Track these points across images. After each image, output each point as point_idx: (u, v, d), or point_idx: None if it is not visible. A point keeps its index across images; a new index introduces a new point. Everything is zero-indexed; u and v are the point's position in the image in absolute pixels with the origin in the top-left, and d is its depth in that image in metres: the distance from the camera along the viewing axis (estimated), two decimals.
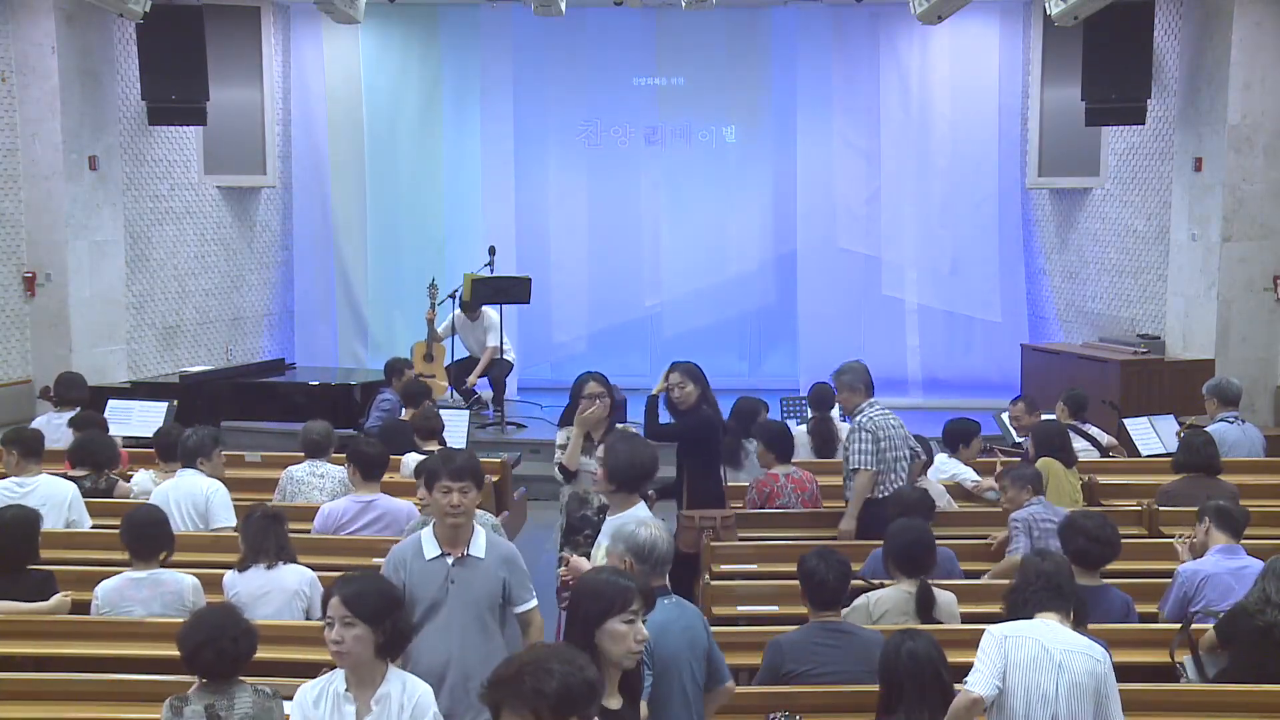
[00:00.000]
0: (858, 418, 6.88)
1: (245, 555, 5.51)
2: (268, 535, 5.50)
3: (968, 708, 4.06)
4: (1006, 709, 4.07)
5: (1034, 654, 4.08)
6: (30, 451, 6.92)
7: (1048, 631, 4.18)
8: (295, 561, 5.61)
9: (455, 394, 11.97)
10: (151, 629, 5.26)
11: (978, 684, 4.05)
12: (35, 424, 8.49)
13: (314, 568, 5.75)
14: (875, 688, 4.32)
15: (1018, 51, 13.39)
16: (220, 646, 4.05)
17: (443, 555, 4.59)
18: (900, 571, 5.43)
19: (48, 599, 5.52)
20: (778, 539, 6.85)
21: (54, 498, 6.70)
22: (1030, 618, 4.30)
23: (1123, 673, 4.90)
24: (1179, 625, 5.29)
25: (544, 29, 13.15)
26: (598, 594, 3.62)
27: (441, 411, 8.72)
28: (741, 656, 5.37)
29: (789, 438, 7.65)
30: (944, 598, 5.43)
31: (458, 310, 12.10)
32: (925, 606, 5.29)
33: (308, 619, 5.46)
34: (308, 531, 6.86)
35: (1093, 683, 4.09)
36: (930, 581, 5.42)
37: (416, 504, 6.73)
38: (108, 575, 5.55)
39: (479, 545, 4.63)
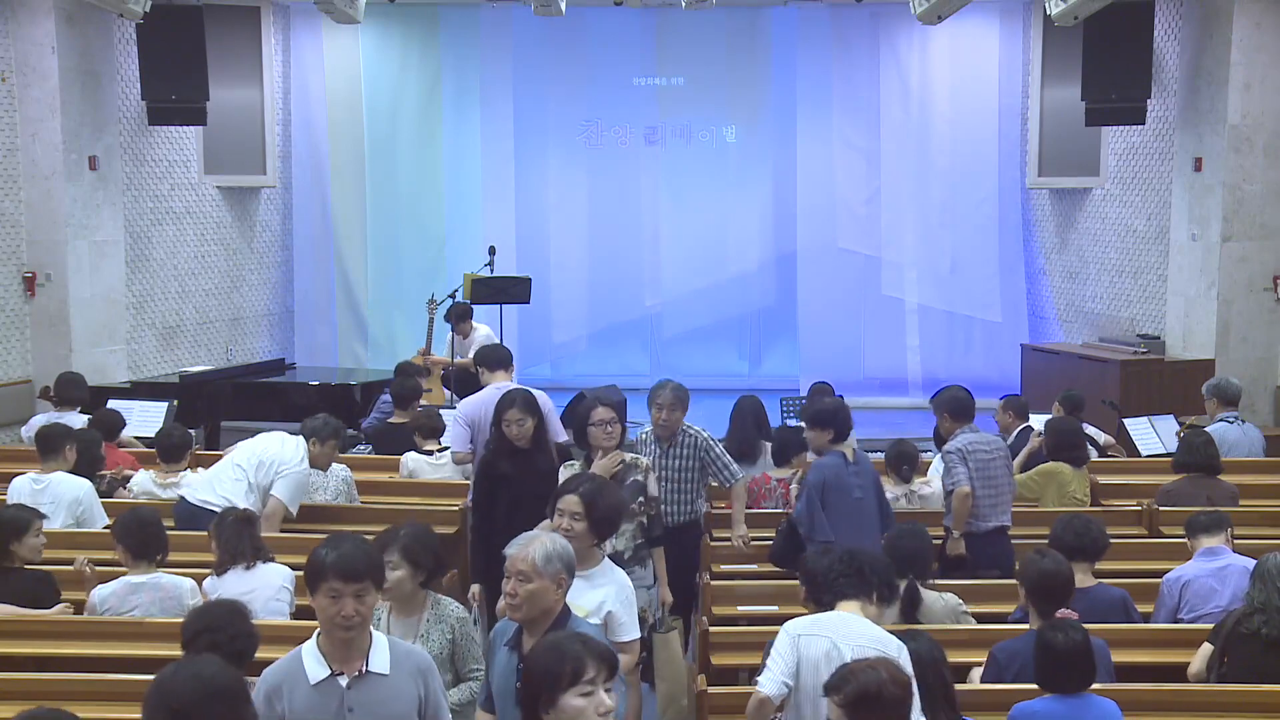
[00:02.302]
0: (697, 435, 6.66)
1: (222, 559, 5.52)
2: (242, 538, 5.53)
3: (757, 708, 4.06)
4: (797, 706, 4.07)
5: (826, 651, 4.04)
6: (47, 449, 6.94)
7: (843, 626, 4.13)
8: (273, 560, 5.63)
9: (455, 399, 11.94)
10: (151, 629, 5.27)
11: (767, 683, 4.03)
12: (36, 422, 8.49)
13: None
14: None
15: (1018, 51, 13.39)
16: (216, 639, 4.06)
17: (333, 676, 3.59)
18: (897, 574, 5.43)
19: (45, 598, 5.52)
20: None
21: (63, 496, 6.69)
22: (831, 606, 4.28)
23: (1123, 673, 4.92)
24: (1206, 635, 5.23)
25: (544, 29, 13.16)
26: (543, 666, 3.15)
27: (442, 412, 8.72)
28: (742, 656, 5.38)
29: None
30: (939, 600, 5.42)
31: (450, 334, 11.92)
32: (909, 607, 5.29)
33: (290, 616, 5.49)
34: (308, 531, 6.88)
35: None
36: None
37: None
38: (110, 577, 5.56)
39: (380, 658, 3.63)
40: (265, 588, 5.46)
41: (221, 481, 6.71)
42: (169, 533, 5.74)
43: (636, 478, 5.94)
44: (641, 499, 5.90)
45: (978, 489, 6.46)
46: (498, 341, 11.76)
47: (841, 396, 9.94)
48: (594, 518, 4.61)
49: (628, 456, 6.04)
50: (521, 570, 3.89)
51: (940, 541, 6.47)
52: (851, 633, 4.10)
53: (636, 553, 5.80)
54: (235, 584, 5.42)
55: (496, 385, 7.24)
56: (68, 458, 6.94)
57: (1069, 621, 4.48)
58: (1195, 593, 5.53)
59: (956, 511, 6.44)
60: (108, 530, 6.61)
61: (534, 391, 7.02)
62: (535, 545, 3.95)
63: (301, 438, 6.89)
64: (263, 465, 6.71)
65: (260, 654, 4.31)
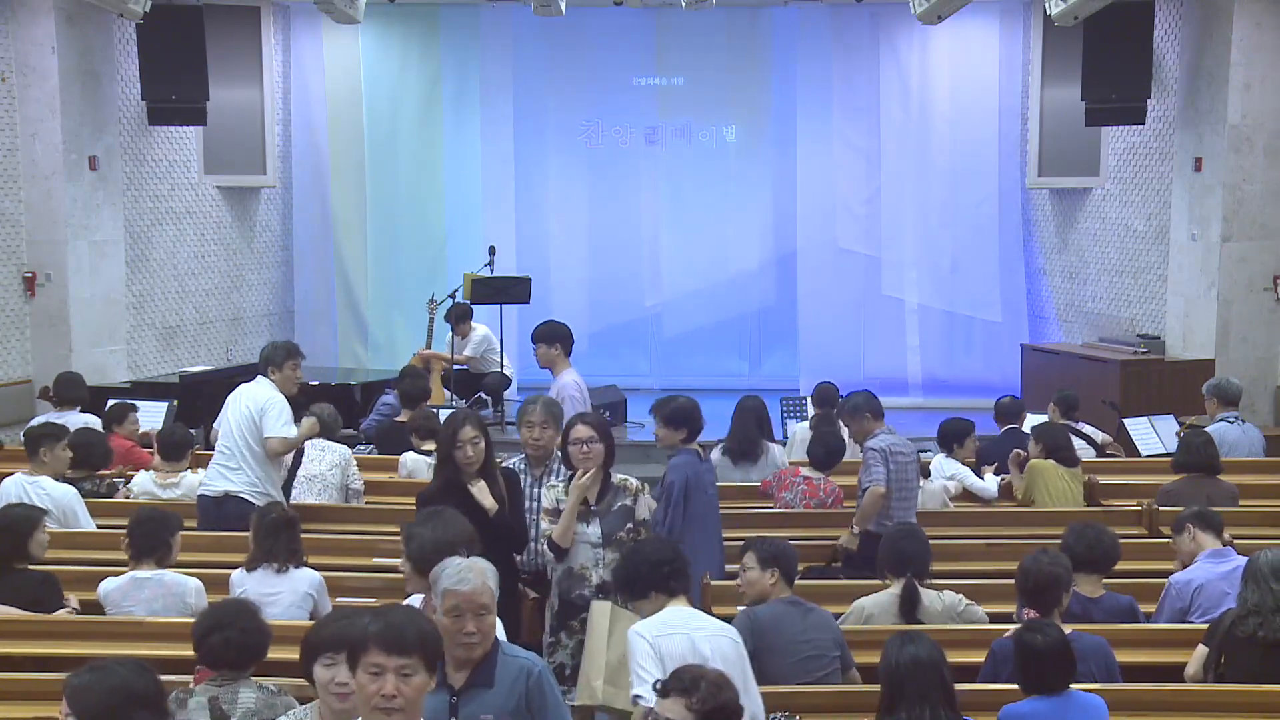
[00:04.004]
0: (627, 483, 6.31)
1: (255, 555, 5.50)
2: (279, 538, 5.48)
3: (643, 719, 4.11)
4: None
5: (684, 647, 4.18)
6: (29, 452, 6.92)
7: (689, 620, 4.33)
8: (305, 565, 5.59)
9: (455, 399, 11.97)
10: (152, 629, 5.27)
11: (647, 693, 4.03)
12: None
13: (318, 566, 5.75)
14: (875, 688, 4.33)
15: (1018, 51, 13.39)
16: (227, 635, 4.07)
17: None
18: (890, 572, 5.43)
19: (49, 599, 5.51)
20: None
21: (44, 502, 6.59)
22: (645, 596, 4.43)
23: (1124, 673, 4.93)
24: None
25: (544, 29, 13.16)
26: None
27: (441, 412, 8.73)
28: None
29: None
30: (939, 600, 5.41)
31: (450, 334, 11.92)
32: (909, 607, 5.29)
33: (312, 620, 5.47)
34: (310, 531, 6.88)
35: (736, 662, 4.24)
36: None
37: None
38: (106, 576, 5.56)
39: None
40: (288, 594, 5.40)
41: (232, 470, 6.74)
42: (192, 532, 5.73)
43: (624, 502, 5.56)
44: (629, 525, 5.52)
45: (894, 490, 6.47)
46: (497, 342, 11.84)
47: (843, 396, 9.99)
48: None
49: (616, 478, 5.63)
50: (485, 604, 3.66)
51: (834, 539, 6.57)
52: (700, 625, 4.34)
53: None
54: (260, 583, 5.39)
55: (573, 373, 7.29)
56: (44, 460, 6.82)
57: (1044, 621, 4.50)
58: (1208, 596, 5.47)
59: (865, 509, 6.44)
60: (95, 531, 6.66)
61: (580, 380, 7.15)
62: (482, 573, 3.70)
63: (260, 378, 6.93)
64: (251, 423, 6.76)
65: (271, 654, 4.31)
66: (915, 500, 6.71)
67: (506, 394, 12.31)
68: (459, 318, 11.78)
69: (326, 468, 7.34)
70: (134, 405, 8.66)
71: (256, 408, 6.78)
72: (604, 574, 5.42)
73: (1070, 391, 9.01)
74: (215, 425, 7.20)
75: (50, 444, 6.86)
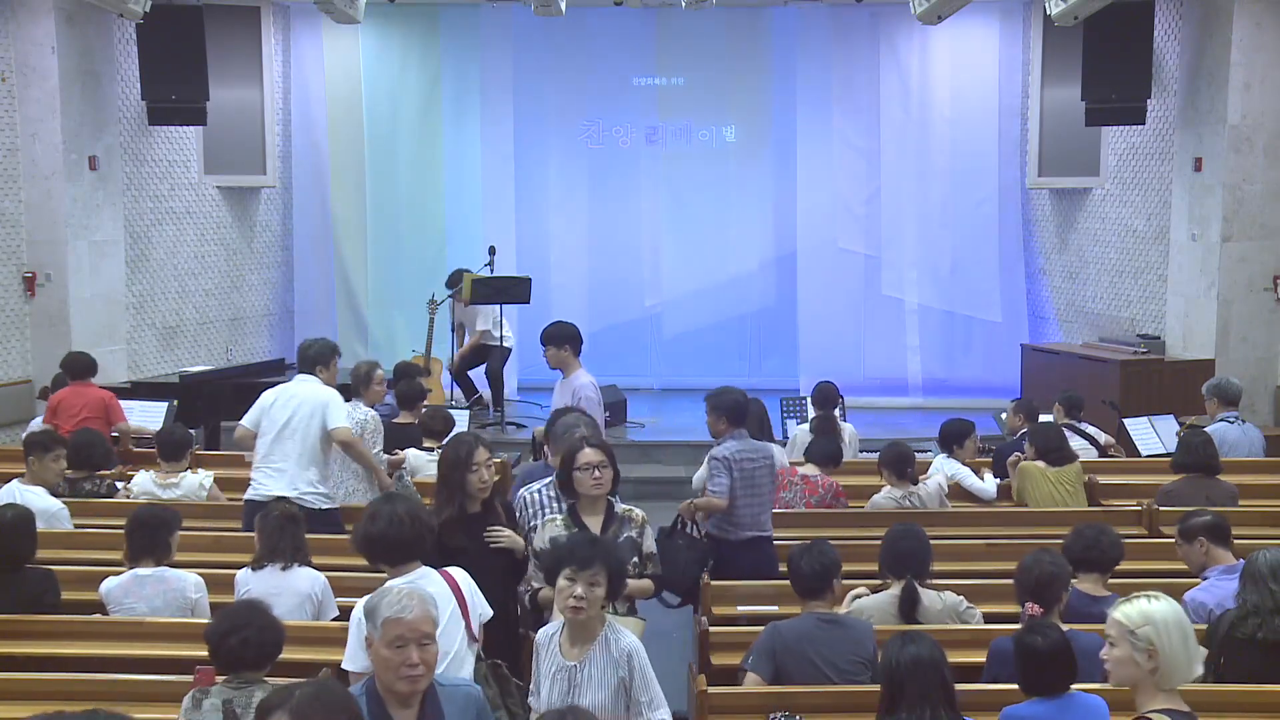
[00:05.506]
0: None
1: (260, 554, 5.48)
2: (284, 536, 5.47)
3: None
4: None
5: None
6: (25, 457, 6.87)
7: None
8: (309, 564, 5.57)
9: (455, 392, 12.00)
10: (152, 629, 5.27)
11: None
12: (34, 425, 8.52)
13: (321, 567, 5.75)
14: (875, 688, 4.32)
15: (1018, 51, 13.39)
16: (245, 636, 4.08)
17: None
18: (890, 573, 5.43)
19: (48, 597, 5.50)
20: (778, 539, 6.85)
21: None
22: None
23: None
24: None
25: (544, 29, 13.16)
26: None
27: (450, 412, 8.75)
28: (742, 657, 5.37)
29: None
30: (938, 600, 5.41)
31: (450, 333, 12.00)
32: (909, 607, 5.29)
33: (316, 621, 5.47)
34: (314, 531, 6.88)
35: None
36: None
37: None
38: (107, 576, 5.56)
39: None
40: (293, 594, 5.37)
41: (288, 471, 6.73)
42: (193, 531, 5.69)
43: (629, 533, 5.25)
44: (635, 559, 5.20)
45: (740, 499, 6.35)
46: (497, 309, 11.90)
47: (843, 396, 10.00)
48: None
49: (620, 507, 5.32)
50: (428, 632, 3.52)
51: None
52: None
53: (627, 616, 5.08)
54: (267, 582, 5.37)
55: (587, 375, 7.27)
56: (33, 469, 6.74)
57: (1046, 622, 4.48)
58: None
59: (704, 508, 6.36)
60: (94, 531, 6.64)
61: (594, 381, 7.11)
62: (424, 601, 3.59)
63: (307, 376, 6.95)
64: (310, 418, 6.77)
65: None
66: (769, 506, 6.58)
67: (506, 394, 12.33)
68: (456, 282, 11.88)
69: (354, 424, 7.31)
70: (90, 359, 8.80)
71: (319, 403, 6.79)
72: (620, 607, 5.01)
73: (1074, 392, 9.00)
74: (246, 425, 6.94)
75: (40, 453, 6.75)
